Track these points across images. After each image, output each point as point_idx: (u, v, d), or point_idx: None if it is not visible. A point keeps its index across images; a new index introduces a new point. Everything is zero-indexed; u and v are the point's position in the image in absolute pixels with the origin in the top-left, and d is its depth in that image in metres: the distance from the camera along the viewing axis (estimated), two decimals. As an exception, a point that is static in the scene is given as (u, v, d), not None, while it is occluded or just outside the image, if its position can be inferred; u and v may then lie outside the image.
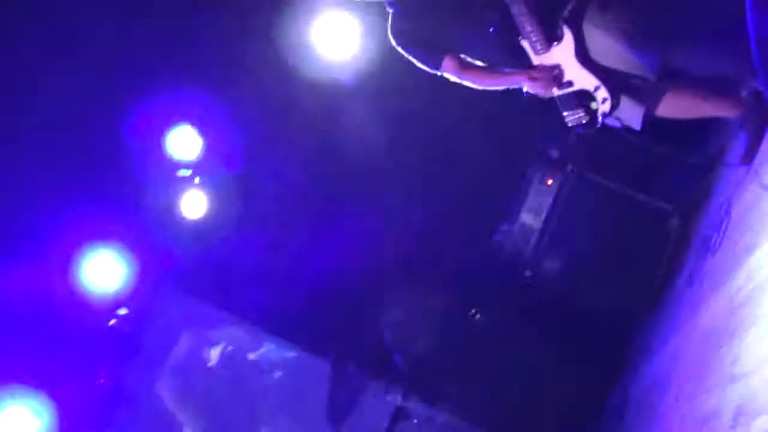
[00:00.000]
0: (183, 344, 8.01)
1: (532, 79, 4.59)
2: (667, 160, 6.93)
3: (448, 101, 7.41)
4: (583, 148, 7.07)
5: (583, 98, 4.62)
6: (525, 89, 4.69)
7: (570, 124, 4.80)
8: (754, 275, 3.68)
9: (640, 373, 6.19)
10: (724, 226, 4.89)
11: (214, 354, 8.00)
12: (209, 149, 7.28)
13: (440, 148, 7.71)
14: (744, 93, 4.60)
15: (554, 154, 7.06)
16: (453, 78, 4.78)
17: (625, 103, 4.67)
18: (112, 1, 6.54)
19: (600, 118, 4.65)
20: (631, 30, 4.41)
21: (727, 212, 4.96)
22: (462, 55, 4.75)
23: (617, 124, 4.78)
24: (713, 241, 5.07)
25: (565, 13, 4.46)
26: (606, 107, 4.61)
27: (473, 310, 7.71)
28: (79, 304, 6.69)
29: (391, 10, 4.70)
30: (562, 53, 4.51)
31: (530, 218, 6.98)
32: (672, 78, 4.54)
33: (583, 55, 4.52)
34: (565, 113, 4.74)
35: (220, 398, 7.95)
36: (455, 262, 7.61)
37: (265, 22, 7.54)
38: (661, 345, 5.70)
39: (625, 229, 6.87)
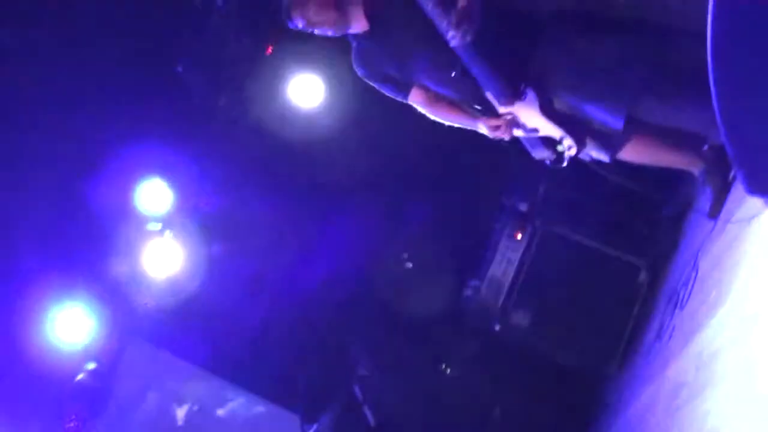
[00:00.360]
0: (151, 400, 7.94)
1: (494, 127, 4.56)
2: (636, 214, 6.99)
3: (416, 155, 7.50)
4: (551, 201, 7.11)
5: (549, 143, 4.63)
6: (483, 131, 4.65)
7: (537, 158, 4.77)
8: (721, 331, 3.71)
9: (611, 428, 6.18)
10: (692, 281, 4.93)
11: (181, 413, 7.94)
12: (180, 202, 7.26)
13: (408, 203, 7.75)
14: (706, 147, 4.65)
15: (523, 207, 7.09)
16: (420, 109, 4.73)
17: (591, 145, 4.70)
18: (79, 51, 6.54)
19: (567, 159, 4.65)
20: (596, 89, 4.44)
21: (695, 267, 5.01)
22: (429, 87, 4.69)
23: (587, 158, 4.80)
24: (681, 295, 5.11)
25: (529, 73, 4.47)
26: (572, 152, 4.62)
27: (443, 365, 7.71)
28: (47, 359, 6.62)
29: (354, 44, 4.67)
30: (527, 107, 4.50)
31: (499, 272, 6.99)
32: (636, 126, 4.57)
33: (547, 111, 4.52)
34: (531, 150, 4.74)
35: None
36: (425, 317, 7.61)
37: (237, 76, 7.60)
38: (631, 399, 5.71)
39: (595, 283, 6.89)
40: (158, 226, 7.25)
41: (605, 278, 6.88)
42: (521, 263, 6.94)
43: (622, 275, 6.85)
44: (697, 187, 5.42)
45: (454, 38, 4.12)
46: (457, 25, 4.07)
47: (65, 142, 6.48)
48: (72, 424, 7.18)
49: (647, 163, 4.85)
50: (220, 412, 7.96)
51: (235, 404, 7.99)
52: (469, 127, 4.70)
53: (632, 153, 4.76)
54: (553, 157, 4.66)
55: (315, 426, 7.30)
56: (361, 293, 7.81)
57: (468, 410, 7.58)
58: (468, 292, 7.20)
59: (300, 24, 4.45)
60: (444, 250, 7.68)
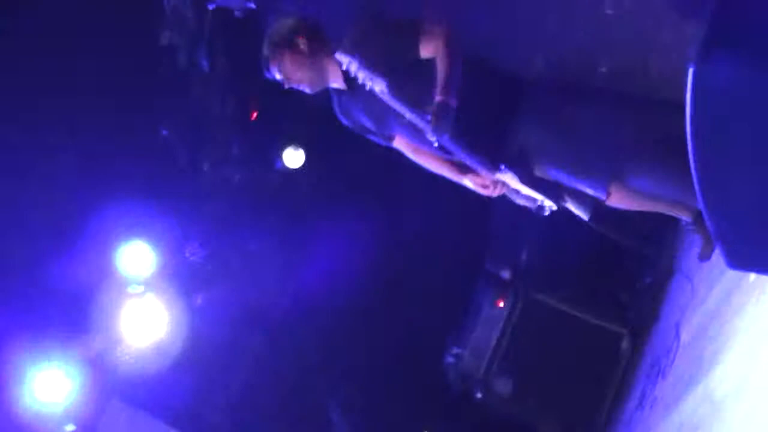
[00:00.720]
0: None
1: (480, 185, 4.51)
2: (618, 282, 7.01)
3: (398, 219, 7.53)
4: (533, 268, 7.13)
5: (532, 199, 4.62)
6: (469, 186, 4.57)
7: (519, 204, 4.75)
8: (703, 401, 3.70)
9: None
10: (673, 350, 4.93)
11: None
12: (163, 264, 7.24)
13: (393, 270, 7.76)
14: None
15: (505, 275, 7.12)
16: (405, 153, 4.67)
17: (572, 204, 4.69)
18: (62, 112, 6.56)
19: (548, 211, 4.63)
20: (577, 165, 4.44)
21: (677, 336, 5.02)
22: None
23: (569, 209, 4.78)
24: (663, 364, 5.11)
25: (509, 148, 4.47)
26: (554, 207, 4.60)
27: (424, 430, 7.67)
28: (25, 420, 6.55)
29: (333, 96, 4.61)
30: (507, 177, 4.49)
31: (481, 340, 7.00)
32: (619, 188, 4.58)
33: (529, 180, 4.53)
34: (514, 198, 4.71)
35: None
36: (407, 384, 7.58)
37: (221, 139, 7.65)
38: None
39: (577, 351, 6.89)
40: (140, 288, 7.22)
41: (587, 346, 6.88)
42: (503, 331, 6.95)
43: (604, 343, 6.85)
44: (677, 256, 5.45)
45: (432, 134, 4.09)
46: (435, 123, 4.06)
47: (47, 203, 6.47)
48: None
49: (633, 209, 4.81)
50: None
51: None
52: (453, 179, 4.62)
53: (617, 203, 4.74)
54: (535, 207, 4.64)
55: None
56: (342, 355, 7.78)
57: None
58: (450, 359, 7.19)
59: (278, 76, 4.42)
60: (427, 316, 7.68)
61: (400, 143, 4.60)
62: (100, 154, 6.72)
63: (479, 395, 6.95)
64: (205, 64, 7.09)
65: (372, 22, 4.46)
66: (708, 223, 2.64)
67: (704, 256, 4.62)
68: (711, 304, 4.38)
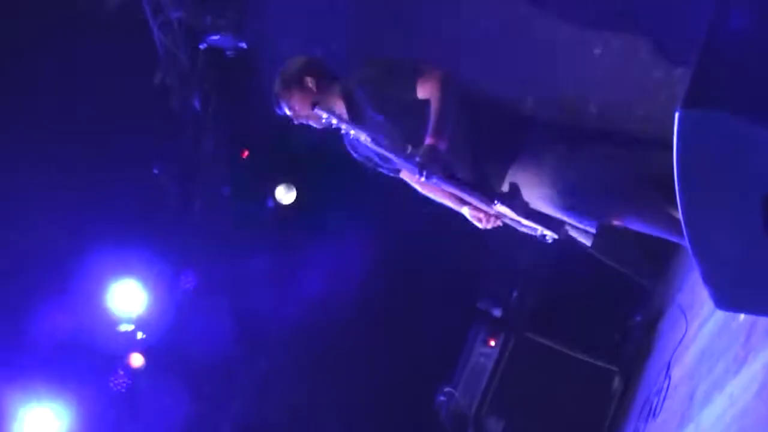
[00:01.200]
0: None
1: (477, 218, 4.60)
2: (610, 320, 7.01)
3: (397, 263, 7.54)
4: (525, 307, 7.14)
5: (531, 228, 4.63)
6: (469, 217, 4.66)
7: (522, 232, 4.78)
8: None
9: None
10: (664, 390, 4.93)
11: None
12: (154, 305, 7.23)
13: (386, 307, 7.76)
14: None
15: (496, 313, 7.11)
16: (411, 184, 4.74)
17: (572, 233, 4.70)
18: (54, 151, 6.57)
19: (551, 239, 4.65)
20: (568, 199, 4.46)
21: (668, 375, 5.02)
22: None
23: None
24: (654, 404, 5.11)
25: (501, 189, 4.49)
26: (554, 237, 4.61)
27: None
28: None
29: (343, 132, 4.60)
30: (504, 209, 4.54)
31: (473, 379, 6.98)
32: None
33: (525, 213, 4.55)
34: (516, 227, 4.74)
35: None
36: (398, 422, 7.56)
37: (213, 178, 7.67)
38: None
39: (568, 390, 6.87)
40: (130, 327, 7.22)
41: (579, 384, 6.85)
42: (495, 369, 6.92)
43: (595, 381, 6.83)
44: (668, 296, 5.47)
45: (420, 176, 4.15)
46: (423, 165, 4.11)
47: (38, 242, 6.48)
48: None
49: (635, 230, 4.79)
50: None
51: None
52: (455, 209, 4.67)
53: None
54: (539, 235, 4.65)
55: None
56: (333, 392, 7.75)
57: None
58: (441, 397, 7.16)
59: (288, 112, 4.52)
60: (419, 355, 7.67)
61: (405, 175, 4.67)
62: (92, 192, 6.74)
63: (471, 433, 6.92)
64: (197, 104, 7.13)
65: (373, 62, 4.53)
66: (695, 264, 2.66)
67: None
68: (701, 343, 4.39)
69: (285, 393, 7.85)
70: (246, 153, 7.61)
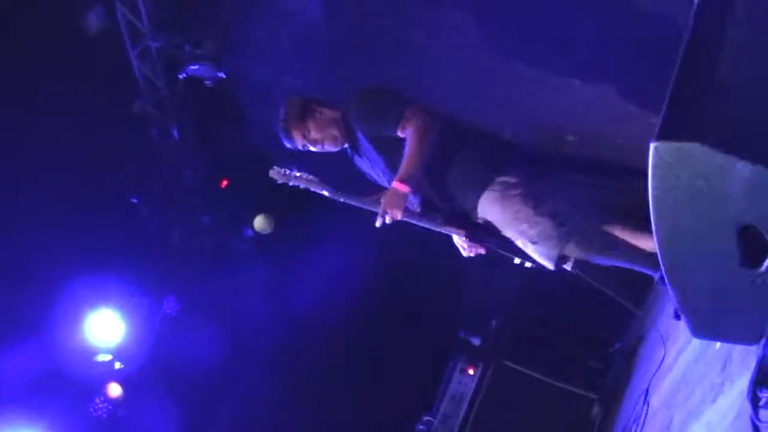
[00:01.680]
0: None
1: (462, 246, 4.76)
2: (589, 348, 7.03)
3: (378, 293, 7.55)
4: (504, 335, 7.15)
5: (507, 255, 4.77)
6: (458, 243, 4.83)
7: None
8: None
9: None
10: (642, 417, 4.94)
11: None
12: (131, 334, 7.20)
13: (365, 336, 7.75)
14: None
15: (475, 342, 7.12)
16: None
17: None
18: (31, 178, 6.56)
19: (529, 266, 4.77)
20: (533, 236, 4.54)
21: (646, 402, 5.02)
22: None
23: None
24: (633, 430, 5.11)
25: (476, 220, 4.64)
26: (528, 265, 4.74)
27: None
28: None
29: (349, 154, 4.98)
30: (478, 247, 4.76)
31: (452, 407, 6.97)
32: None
33: (498, 245, 4.70)
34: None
35: None
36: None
37: (191, 207, 7.67)
38: None
39: (548, 417, 6.87)
40: (108, 357, 7.18)
41: (558, 412, 6.85)
42: (474, 397, 6.92)
43: (575, 409, 6.83)
44: (646, 325, 5.48)
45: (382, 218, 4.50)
46: (383, 209, 4.48)
47: (15, 271, 6.44)
48: None
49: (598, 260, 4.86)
50: None
51: None
52: (448, 232, 4.82)
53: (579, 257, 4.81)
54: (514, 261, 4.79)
55: None
56: (313, 423, 7.74)
57: None
58: (421, 426, 7.14)
59: (300, 145, 4.78)
60: (399, 382, 7.66)
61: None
62: (70, 221, 6.72)
63: (449, 464, 6.90)
64: (175, 133, 7.13)
65: (366, 97, 4.78)
66: (671, 294, 2.68)
67: (679, 315, 4.64)
68: (679, 371, 4.40)
69: (264, 417, 7.83)
70: (225, 182, 7.61)
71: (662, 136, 2.29)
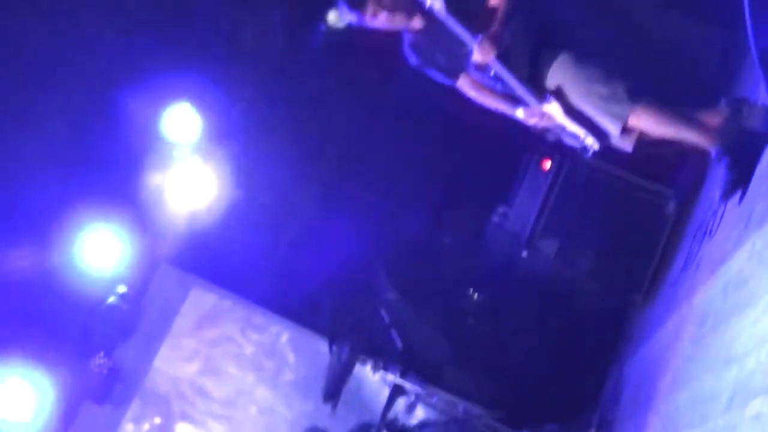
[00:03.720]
0: (179, 324, 8.02)
1: (527, 119, 5.28)
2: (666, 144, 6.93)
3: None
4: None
5: (575, 136, 5.25)
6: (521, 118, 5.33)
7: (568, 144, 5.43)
8: (750, 258, 3.70)
9: (637, 356, 6.21)
10: (721, 210, 4.91)
11: (210, 335, 8.02)
12: (208, 129, 7.25)
13: (441, 130, 7.69)
14: (723, 104, 4.86)
15: (551, 136, 7.05)
16: (467, 92, 5.39)
17: (613, 141, 5.25)
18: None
19: (590, 151, 5.30)
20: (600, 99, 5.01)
21: (723, 197, 4.97)
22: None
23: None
24: (710, 224, 5.09)
25: (547, 83, 5.17)
26: (595, 146, 5.25)
27: (471, 290, 7.71)
28: (78, 283, 6.70)
29: (407, 37, 5.32)
30: (553, 108, 5.17)
31: (527, 200, 6.97)
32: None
33: (570, 112, 5.15)
34: (563, 138, 5.37)
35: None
36: (453, 243, 7.61)
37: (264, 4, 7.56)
38: (657, 327, 5.72)
39: (622, 213, 6.87)
40: (186, 152, 7.26)
41: (633, 208, 6.85)
42: (549, 191, 6.91)
43: (650, 205, 6.81)
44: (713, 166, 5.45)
45: (478, 52, 5.03)
46: (484, 44, 5.01)
47: (93, 66, 6.48)
48: (100, 362, 7.30)
49: (659, 134, 5.12)
50: (250, 336, 8.03)
51: (263, 328, 8.06)
52: (508, 113, 5.36)
53: (642, 121, 5.14)
54: (581, 147, 5.29)
55: (343, 348, 7.34)
56: (389, 219, 7.78)
57: (495, 337, 7.60)
58: (496, 218, 7.16)
59: (370, 11, 5.09)
60: (473, 176, 7.65)
61: (463, 81, 5.32)
62: (144, 19, 6.70)
63: (524, 254, 6.94)
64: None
65: None
66: (760, 72, 2.61)
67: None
68: (763, 164, 4.34)
69: (340, 212, 7.88)
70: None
71: None
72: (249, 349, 8.01)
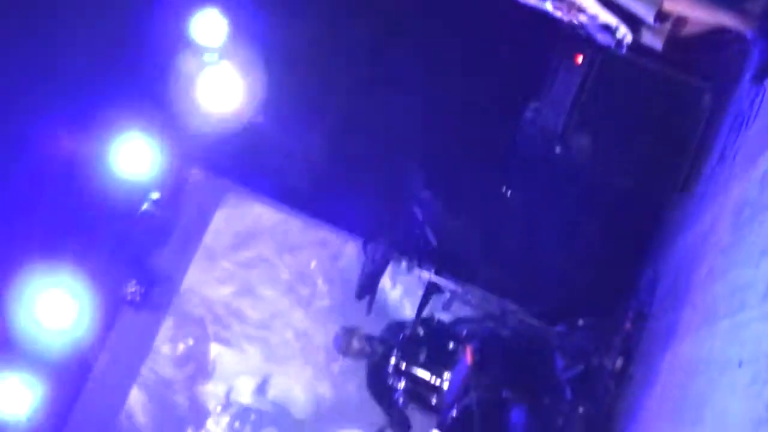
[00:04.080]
0: (214, 228, 8.08)
1: (559, 7, 5.26)
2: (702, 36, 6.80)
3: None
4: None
5: (608, 29, 5.23)
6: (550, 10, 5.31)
7: (600, 42, 5.48)
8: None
9: (673, 250, 6.19)
10: (758, 101, 4.83)
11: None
12: (235, 33, 7.20)
13: (472, 31, 7.59)
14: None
15: (582, 31, 6.93)
16: None
17: (644, 33, 5.22)
18: None
19: (624, 46, 5.32)
20: None
21: (763, 87, 4.90)
22: None
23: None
24: (747, 116, 5.02)
25: None
26: (628, 39, 5.21)
27: (504, 187, 7.67)
28: (112, 190, 6.76)
29: None
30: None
31: (560, 94, 6.86)
32: None
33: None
34: (595, 35, 5.39)
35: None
36: (486, 140, 7.55)
37: None
38: (694, 219, 5.69)
39: (657, 106, 6.77)
40: (215, 56, 7.23)
41: (668, 101, 6.74)
42: (582, 85, 6.80)
43: (685, 98, 6.70)
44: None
45: None
46: None
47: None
48: (132, 290, 7.39)
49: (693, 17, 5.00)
50: (283, 239, 8.10)
51: (297, 231, 8.11)
52: (539, 6, 5.38)
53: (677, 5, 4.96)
54: (613, 43, 5.29)
55: (378, 246, 7.36)
56: (421, 117, 7.72)
57: (528, 233, 7.58)
58: (529, 114, 7.08)
59: None
60: (506, 72, 7.55)
61: None
62: None
63: (558, 149, 6.88)
64: None
65: None
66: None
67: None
68: None
69: (371, 118, 7.84)
70: None
71: None
72: (284, 274, 8.08)
